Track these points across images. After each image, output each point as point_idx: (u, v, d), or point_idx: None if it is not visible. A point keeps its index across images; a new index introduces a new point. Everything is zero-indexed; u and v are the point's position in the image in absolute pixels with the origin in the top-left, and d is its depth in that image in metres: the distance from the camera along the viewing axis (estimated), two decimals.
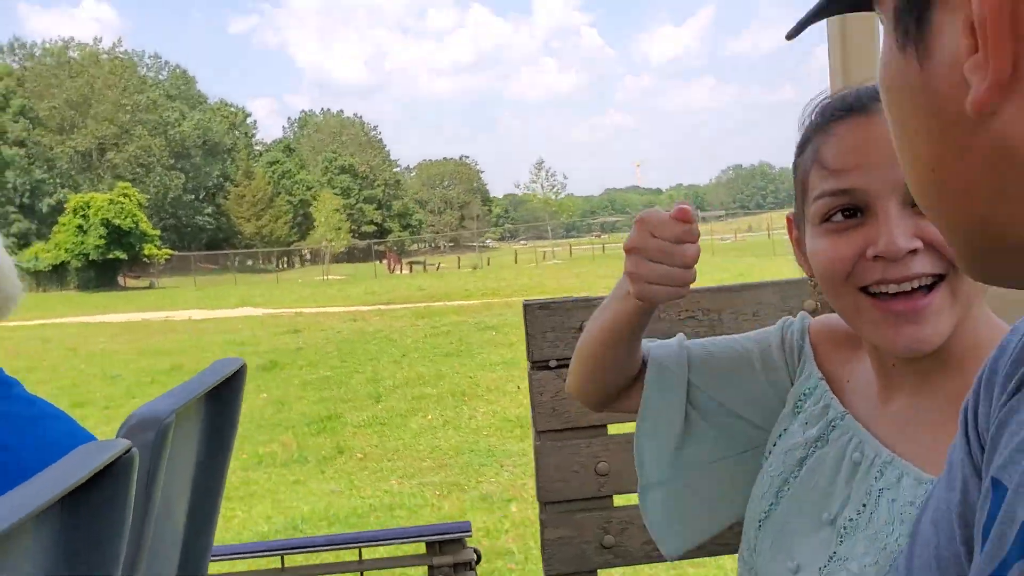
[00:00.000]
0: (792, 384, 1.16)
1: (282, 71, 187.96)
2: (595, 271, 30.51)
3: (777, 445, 1.14)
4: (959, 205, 0.50)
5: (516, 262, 49.95)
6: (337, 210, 64.34)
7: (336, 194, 71.57)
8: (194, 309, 27.08)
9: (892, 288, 0.94)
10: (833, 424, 1.08)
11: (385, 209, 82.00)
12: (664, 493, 1.22)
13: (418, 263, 56.01)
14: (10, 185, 61.75)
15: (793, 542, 1.05)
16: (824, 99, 1.04)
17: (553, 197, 74.72)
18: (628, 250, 1.04)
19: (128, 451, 0.83)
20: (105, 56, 69.56)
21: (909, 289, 0.94)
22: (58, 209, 60.19)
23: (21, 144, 63.05)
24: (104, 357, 15.37)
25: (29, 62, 68.54)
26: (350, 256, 67.20)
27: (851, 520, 1.00)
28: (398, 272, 50.15)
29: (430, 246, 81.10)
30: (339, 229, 63.16)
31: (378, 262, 57.38)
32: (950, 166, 0.49)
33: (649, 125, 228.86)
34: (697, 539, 1.25)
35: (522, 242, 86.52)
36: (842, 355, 1.13)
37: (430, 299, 24.10)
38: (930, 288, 0.94)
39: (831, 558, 1.00)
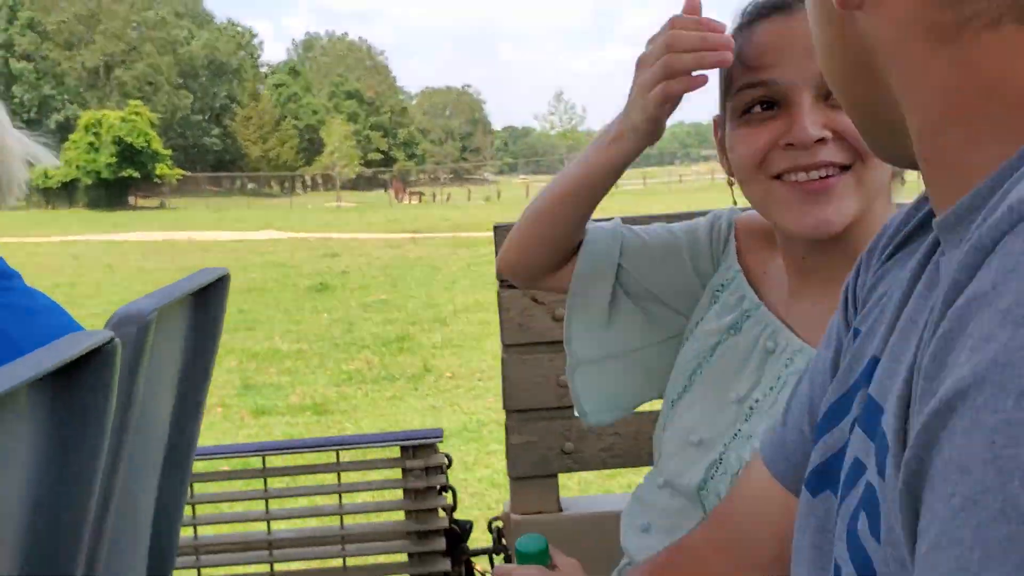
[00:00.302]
0: (714, 274, 1.22)
1: None
2: (614, 205, 30.43)
3: (694, 332, 1.21)
4: (848, 88, 0.58)
5: (527, 196, 49.80)
6: (348, 136, 63.87)
7: (343, 120, 70.92)
8: (215, 231, 27.08)
9: (802, 176, 1.01)
10: (748, 313, 1.15)
11: (391, 137, 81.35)
12: (592, 369, 1.27)
13: (421, 194, 55.75)
14: (17, 100, 61.03)
15: (699, 420, 1.13)
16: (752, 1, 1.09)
17: (571, 130, 73.97)
18: (639, 63, 1.06)
19: (111, 341, 0.92)
20: None
21: (817, 177, 1.01)
22: (66, 126, 59.57)
23: (28, 58, 62.23)
24: (146, 275, 15.43)
25: None
26: (354, 183, 66.91)
27: (758, 401, 1.08)
28: (406, 201, 50.01)
29: (430, 177, 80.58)
30: (350, 156, 62.82)
31: (384, 190, 57.10)
32: (837, 54, 0.57)
33: None
34: (618, 413, 1.32)
35: (521, 176, 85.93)
36: (763, 250, 1.19)
37: (457, 229, 24.16)
38: (838, 176, 1.01)
39: (736, 434, 1.08)
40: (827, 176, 1.01)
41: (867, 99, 0.56)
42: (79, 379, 0.91)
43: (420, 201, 50.48)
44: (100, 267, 17.14)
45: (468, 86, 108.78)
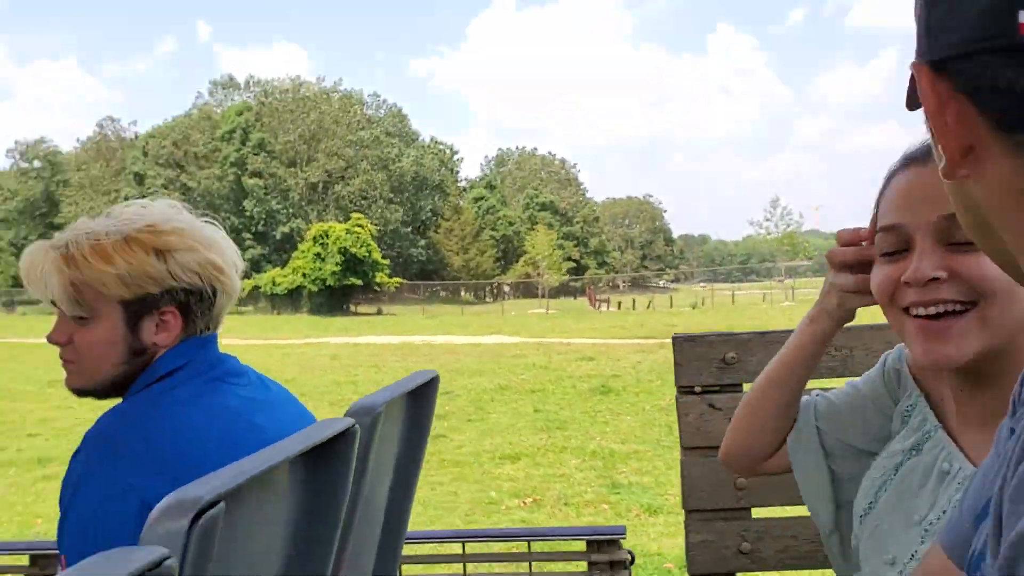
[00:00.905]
0: (896, 405, 1.31)
1: (457, 112, 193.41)
2: None
3: (883, 450, 1.30)
4: (977, 240, 0.65)
5: (733, 303, 49.17)
6: (553, 247, 65.46)
7: (545, 230, 72.89)
8: (443, 335, 28.04)
9: (922, 310, 1.09)
10: (928, 435, 1.22)
11: (582, 246, 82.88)
12: (837, 539, 1.37)
13: (619, 301, 55.96)
14: (248, 214, 66.52)
15: (888, 537, 1.19)
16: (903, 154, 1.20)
17: (789, 234, 72.71)
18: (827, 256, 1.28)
19: (352, 427, 1.14)
20: (335, 94, 74.16)
21: (935, 313, 1.08)
22: (289, 237, 64.22)
23: (259, 175, 67.83)
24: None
25: (264, 98, 73.88)
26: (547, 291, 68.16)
27: (932, 524, 1.14)
28: (603, 309, 50.31)
29: (609, 285, 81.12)
30: (556, 265, 64.27)
31: (574, 298, 57.67)
32: (961, 213, 0.65)
33: (827, 167, 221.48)
34: None
35: (700, 284, 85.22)
36: (939, 377, 1.25)
37: None
38: (961, 313, 1.08)
39: (913, 555, 1.14)
40: (945, 312, 1.08)
41: (992, 250, 0.64)
42: (326, 457, 1.14)
43: (619, 308, 50.67)
44: (362, 366, 17.99)
45: (649, 195, 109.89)
